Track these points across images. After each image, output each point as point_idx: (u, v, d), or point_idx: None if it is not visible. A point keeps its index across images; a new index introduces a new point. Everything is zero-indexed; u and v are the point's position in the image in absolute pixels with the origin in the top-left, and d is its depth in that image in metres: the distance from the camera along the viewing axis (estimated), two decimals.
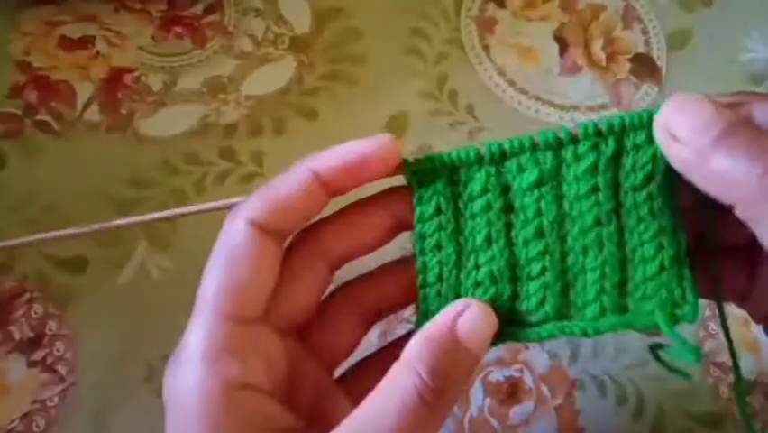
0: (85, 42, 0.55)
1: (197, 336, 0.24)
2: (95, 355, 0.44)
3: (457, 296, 0.28)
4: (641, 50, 0.60)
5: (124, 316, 0.45)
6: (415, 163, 0.28)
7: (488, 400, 0.45)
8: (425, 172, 0.28)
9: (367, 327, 0.30)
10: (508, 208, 0.28)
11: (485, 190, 0.27)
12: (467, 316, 0.25)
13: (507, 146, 0.27)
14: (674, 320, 0.26)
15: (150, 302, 0.46)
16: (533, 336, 0.28)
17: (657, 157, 0.26)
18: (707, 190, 0.23)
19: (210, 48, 0.57)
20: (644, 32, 0.61)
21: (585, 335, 0.27)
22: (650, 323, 0.26)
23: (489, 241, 0.27)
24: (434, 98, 0.56)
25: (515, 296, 0.28)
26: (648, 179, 0.26)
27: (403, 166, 0.28)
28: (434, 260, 0.28)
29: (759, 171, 0.21)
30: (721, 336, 0.48)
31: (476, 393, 0.45)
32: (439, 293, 0.28)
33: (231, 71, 0.56)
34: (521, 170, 0.27)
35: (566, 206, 0.27)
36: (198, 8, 0.58)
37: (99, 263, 0.47)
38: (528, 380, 0.46)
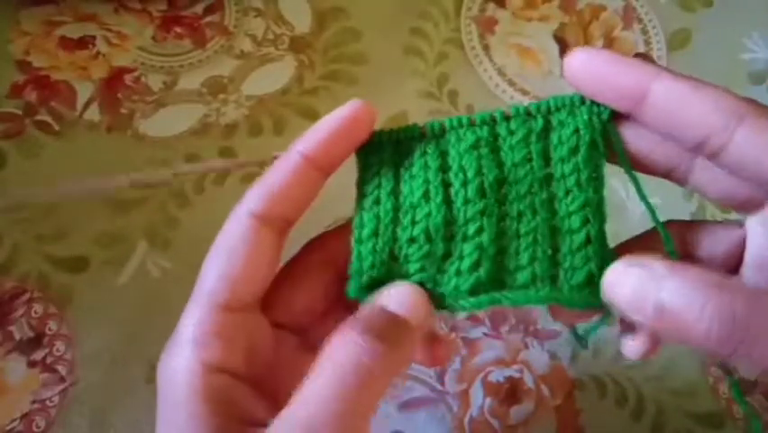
0: (85, 42, 0.55)
1: (190, 321, 0.25)
2: (95, 355, 0.44)
3: (391, 253, 0.28)
4: (641, 50, 0.60)
5: (124, 316, 0.45)
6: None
7: (488, 400, 0.45)
8: (373, 144, 0.29)
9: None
10: (447, 169, 0.28)
11: (424, 153, 0.29)
12: (397, 296, 0.26)
13: (446, 123, 0.29)
14: (597, 295, 0.26)
15: (150, 302, 0.46)
16: (466, 306, 0.27)
17: (580, 132, 0.28)
18: (678, 341, 0.24)
19: (210, 48, 0.57)
20: (644, 32, 0.61)
21: (515, 305, 0.27)
22: (578, 297, 0.27)
23: (426, 197, 0.28)
24: (434, 98, 0.56)
25: (447, 255, 0.28)
26: (573, 151, 0.28)
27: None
28: (371, 214, 0.28)
29: (704, 317, 0.22)
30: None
31: (476, 393, 0.45)
32: (374, 249, 0.28)
33: (231, 71, 0.56)
34: (459, 139, 0.29)
35: (505, 171, 0.28)
36: (198, 8, 0.58)
37: (99, 263, 0.47)
38: (528, 380, 0.46)
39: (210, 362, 0.24)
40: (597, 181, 0.28)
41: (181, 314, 0.26)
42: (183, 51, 0.56)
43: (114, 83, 0.54)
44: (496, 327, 0.48)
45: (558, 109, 0.29)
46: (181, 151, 0.51)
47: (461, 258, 0.27)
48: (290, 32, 0.58)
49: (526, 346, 0.47)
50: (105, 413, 0.43)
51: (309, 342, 0.29)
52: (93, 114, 0.53)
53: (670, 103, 0.25)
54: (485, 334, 0.47)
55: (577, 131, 0.28)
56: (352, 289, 0.27)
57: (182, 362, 0.24)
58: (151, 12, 0.58)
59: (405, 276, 0.27)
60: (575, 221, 0.27)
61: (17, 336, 0.44)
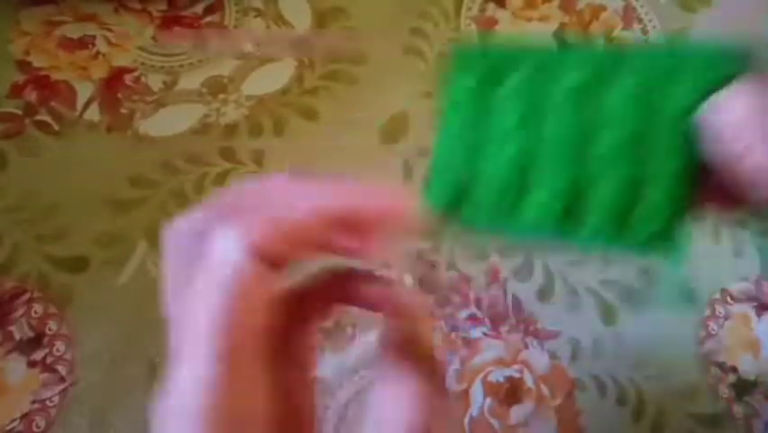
0: (85, 42, 0.55)
1: (192, 374, 0.20)
2: (95, 355, 0.44)
3: (469, 181, 0.26)
4: None
5: (124, 316, 0.45)
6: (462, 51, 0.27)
7: (488, 400, 0.45)
8: (469, 58, 0.27)
9: None
10: (540, 99, 0.27)
11: (525, 79, 0.27)
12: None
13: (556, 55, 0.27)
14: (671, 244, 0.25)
15: (151, 302, 0.46)
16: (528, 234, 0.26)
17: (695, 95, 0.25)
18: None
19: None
20: (645, 32, 0.61)
21: (587, 245, 0.26)
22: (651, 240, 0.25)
23: (521, 122, 0.26)
24: (435, 98, 0.56)
25: (524, 186, 0.26)
26: (685, 111, 0.25)
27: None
28: (453, 139, 0.26)
29: None
30: (721, 335, 0.48)
31: (476, 393, 0.45)
32: (451, 173, 0.26)
33: (231, 71, 0.56)
34: (568, 69, 0.27)
35: (605, 111, 0.26)
36: (198, 8, 0.58)
37: (99, 263, 0.47)
38: (528, 380, 0.46)
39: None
40: (694, 150, 0.25)
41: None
42: (183, 51, 0.56)
43: (114, 83, 0.54)
44: (496, 327, 0.48)
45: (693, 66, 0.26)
46: (181, 151, 0.51)
47: (540, 187, 0.26)
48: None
49: (526, 346, 0.47)
50: (105, 413, 0.43)
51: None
52: (93, 114, 0.53)
53: None
54: (485, 334, 0.47)
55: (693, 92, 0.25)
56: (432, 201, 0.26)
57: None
58: (151, 12, 0.58)
59: (479, 202, 0.26)
60: (664, 180, 0.25)
61: (17, 336, 0.44)
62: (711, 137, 0.23)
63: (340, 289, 0.25)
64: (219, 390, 0.20)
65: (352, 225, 0.22)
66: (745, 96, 0.22)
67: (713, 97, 0.23)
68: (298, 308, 0.25)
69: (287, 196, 0.22)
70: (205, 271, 0.20)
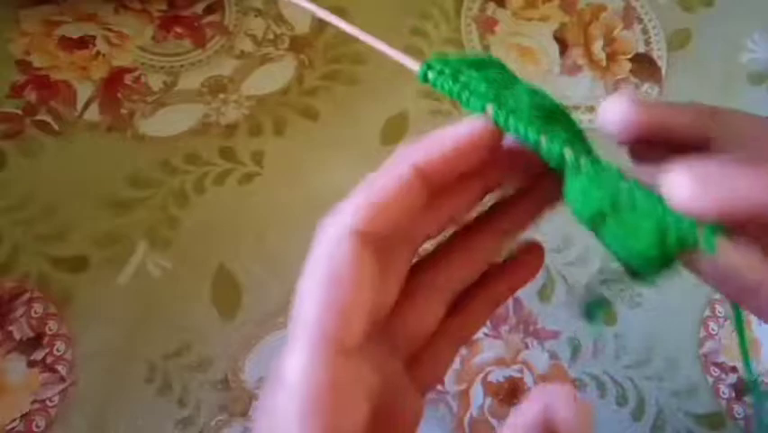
0: (85, 42, 0.55)
1: (298, 365, 0.20)
2: (95, 355, 0.44)
3: None
4: (641, 50, 0.60)
5: (124, 316, 0.45)
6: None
7: (488, 400, 0.45)
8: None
9: (444, 308, 0.26)
10: None
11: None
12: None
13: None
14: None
15: (150, 302, 0.46)
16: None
17: None
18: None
19: (210, 48, 0.57)
20: (645, 31, 0.61)
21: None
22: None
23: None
24: (435, 98, 0.56)
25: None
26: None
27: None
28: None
29: None
30: (721, 335, 0.48)
31: (476, 393, 0.45)
32: None
33: (231, 71, 0.56)
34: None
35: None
36: (198, 8, 0.58)
37: (99, 263, 0.47)
38: (528, 380, 0.46)
39: (324, 426, 0.19)
40: None
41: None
42: (183, 51, 0.56)
43: (114, 83, 0.54)
44: (496, 327, 0.48)
45: None
46: (181, 151, 0.51)
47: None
48: (290, 31, 0.58)
49: (526, 346, 0.47)
50: (105, 413, 0.43)
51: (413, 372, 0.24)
52: (93, 114, 0.53)
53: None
54: (485, 334, 0.47)
55: None
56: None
57: (292, 420, 0.19)
58: (151, 12, 0.58)
59: None
60: None
61: (17, 336, 0.44)
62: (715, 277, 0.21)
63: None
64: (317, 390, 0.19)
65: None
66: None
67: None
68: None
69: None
70: (312, 262, 0.21)
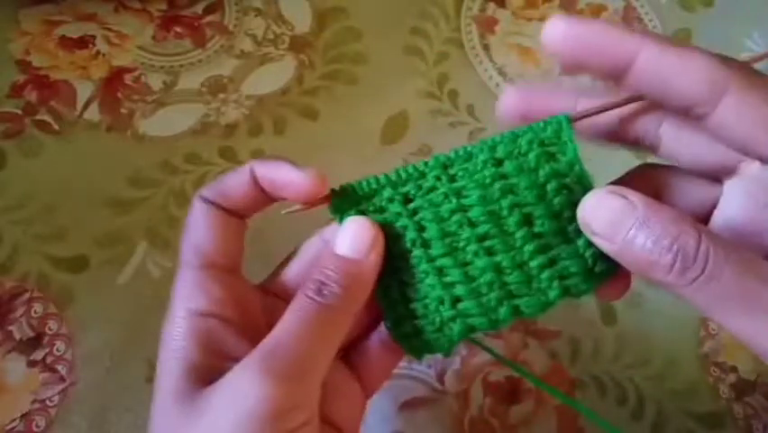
0: (85, 42, 0.55)
1: (177, 284, 0.30)
2: (95, 355, 0.44)
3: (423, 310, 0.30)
4: None
5: (124, 316, 0.45)
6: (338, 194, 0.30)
7: (488, 400, 0.45)
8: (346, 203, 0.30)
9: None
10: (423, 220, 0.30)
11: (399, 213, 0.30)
12: (340, 231, 0.29)
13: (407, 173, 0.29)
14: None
15: (150, 302, 0.46)
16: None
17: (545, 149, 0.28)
18: (637, 273, 0.25)
19: (210, 47, 0.57)
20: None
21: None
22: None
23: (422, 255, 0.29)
24: (435, 98, 0.56)
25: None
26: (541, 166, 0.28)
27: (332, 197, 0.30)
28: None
29: (667, 248, 0.23)
30: (721, 335, 0.48)
31: (476, 393, 0.45)
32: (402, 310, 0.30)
33: (231, 71, 0.56)
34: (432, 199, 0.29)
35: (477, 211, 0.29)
36: (198, 8, 0.58)
37: (99, 263, 0.47)
38: (528, 380, 0.46)
39: (195, 308, 0.28)
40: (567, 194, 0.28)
41: None
42: (183, 51, 0.56)
43: (114, 83, 0.54)
44: None
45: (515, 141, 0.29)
46: (181, 151, 0.51)
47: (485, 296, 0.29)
48: (290, 31, 0.58)
49: (526, 346, 0.47)
50: (105, 413, 0.43)
51: (351, 361, 0.32)
52: (93, 113, 0.53)
53: (655, 74, 0.25)
54: (485, 334, 0.47)
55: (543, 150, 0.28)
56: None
57: (173, 313, 0.28)
58: (151, 11, 0.58)
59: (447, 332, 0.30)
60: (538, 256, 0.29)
61: (17, 336, 0.44)
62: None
63: None
64: None
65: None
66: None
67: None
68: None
69: None
70: None
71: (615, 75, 0.26)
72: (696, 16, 0.62)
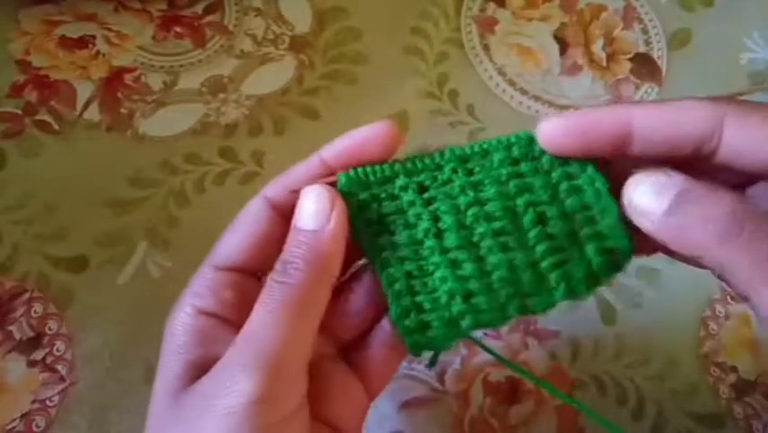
0: (85, 42, 0.55)
1: (194, 276, 0.30)
2: (95, 355, 0.44)
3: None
4: (641, 49, 0.60)
5: (124, 316, 0.45)
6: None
7: (488, 400, 0.45)
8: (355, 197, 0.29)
9: None
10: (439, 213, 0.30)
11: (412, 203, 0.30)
12: (299, 203, 0.29)
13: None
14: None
15: (150, 302, 0.46)
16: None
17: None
18: (678, 250, 0.26)
19: (210, 47, 0.57)
20: (645, 31, 0.61)
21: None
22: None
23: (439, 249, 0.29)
24: (435, 98, 0.56)
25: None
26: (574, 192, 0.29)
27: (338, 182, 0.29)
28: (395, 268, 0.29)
29: (714, 228, 0.24)
30: (721, 335, 0.48)
31: (476, 393, 0.45)
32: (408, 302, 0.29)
33: (231, 71, 0.56)
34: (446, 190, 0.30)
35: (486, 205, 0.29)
36: (198, 8, 0.58)
37: (99, 263, 0.47)
38: (528, 380, 0.46)
39: (201, 307, 0.29)
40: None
41: None
42: (183, 51, 0.56)
43: (114, 83, 0.54)
44: None
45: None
46: (181, 151, 0.51)
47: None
48: (290, 31, 0.58)
49: (526, 346, 0.47)
50: (105, 413, 0.43)
51: (351, 357, 0.32)
52: (93, 113, 0.52)
53: (655, 134, 0.27)
54: (485, 334, 0.47)
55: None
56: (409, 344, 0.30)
57: (179, 307, 0.29)
58: (151, 11, 0.58)
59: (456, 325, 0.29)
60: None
61: (17, 336, 0.44)
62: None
63: None
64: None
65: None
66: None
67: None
68: None
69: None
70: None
71: (621, 148, 0.27)
72: (696, 16, 0.62)
